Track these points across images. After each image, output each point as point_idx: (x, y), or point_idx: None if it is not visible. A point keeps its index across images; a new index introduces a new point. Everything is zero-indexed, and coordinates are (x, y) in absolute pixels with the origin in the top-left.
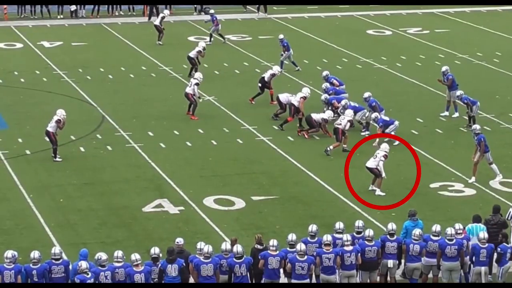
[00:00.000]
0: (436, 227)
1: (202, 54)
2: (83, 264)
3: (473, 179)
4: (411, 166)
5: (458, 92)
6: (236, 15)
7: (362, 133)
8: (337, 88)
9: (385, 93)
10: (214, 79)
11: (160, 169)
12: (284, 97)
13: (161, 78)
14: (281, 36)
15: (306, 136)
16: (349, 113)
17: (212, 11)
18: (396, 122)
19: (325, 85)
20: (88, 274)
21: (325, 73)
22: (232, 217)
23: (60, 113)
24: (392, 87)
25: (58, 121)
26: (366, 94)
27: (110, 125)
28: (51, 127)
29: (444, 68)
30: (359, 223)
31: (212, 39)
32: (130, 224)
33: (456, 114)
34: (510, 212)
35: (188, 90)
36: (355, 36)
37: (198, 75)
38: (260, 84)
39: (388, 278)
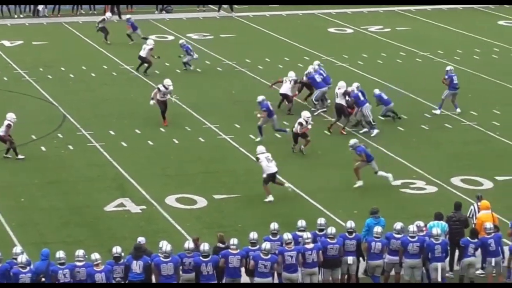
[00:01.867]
0: (397, 225)
1: (152, 52)
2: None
3: (359, 183)
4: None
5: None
6: (198, 14)
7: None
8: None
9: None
10: (176, 78)
11: (122, 168)
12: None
13: (122, 77)
14: (182, 41)
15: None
16: (304, 114)
17: (128, 16)
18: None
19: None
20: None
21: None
22: (194, 215)
23: (10, 117)
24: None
25: (8, 126)
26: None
27: (71, 125)
28: (1, 131)
29: (448, 68)
30: (321, 220)
31: (133, 40)
32: (92, 223)
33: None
34: (471, 209)
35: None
36: (317, 34)
37: (166, 81)
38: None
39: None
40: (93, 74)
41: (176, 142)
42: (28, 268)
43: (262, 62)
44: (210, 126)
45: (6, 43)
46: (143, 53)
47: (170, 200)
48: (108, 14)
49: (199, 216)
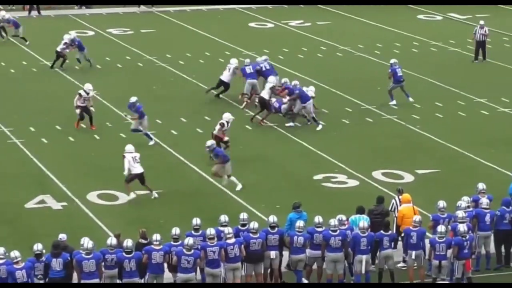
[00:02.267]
0: (319, 219)
1: (72, 48)
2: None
3: (226, 180)
4: (296, 158)
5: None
6: (118, 9)
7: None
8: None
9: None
10: (97, 74)
11: (43, 164)
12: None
13: (42, 73)
14: (72, 36)
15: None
16: (226, 115)
17: (6, 15)
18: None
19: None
20: None
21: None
22: (116, 212)
23: None
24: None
25: None
26: (294, 82)
27: None
28: None
29: (392, 61)
30: (243, 215)
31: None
32: (12, 220)
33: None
34: (393, 203)
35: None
36: (237, 29)
37: (88, 86)
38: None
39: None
40: (12, 70)
41: (97, 138)
42: None
43: (183, 57)
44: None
45: None
46: (59, 48)
47: (92, 196)
48: (3, 12)
49: (121, 212)
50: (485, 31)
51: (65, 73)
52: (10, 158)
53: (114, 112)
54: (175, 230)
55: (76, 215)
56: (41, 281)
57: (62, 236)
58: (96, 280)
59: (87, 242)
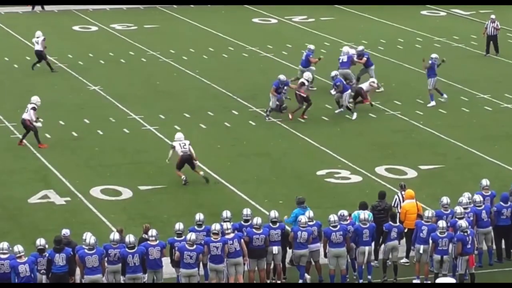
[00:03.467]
0: (310, 213)
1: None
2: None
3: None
4: (299, 154)
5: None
6: (123, 5)
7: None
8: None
9: (272, 81)
10: (100, 69)
11: (46, 160)
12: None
13: (46, 69)
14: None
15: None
16: (306, 74)
17: None
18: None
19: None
20: None
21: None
22: (119, 207)
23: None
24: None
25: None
26: (333, 73)
27: None
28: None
29: (433, 55)
30: (247, 211)
31: None
32: (15, 215)
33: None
34: (395, 199)
35: (25, 116)
36: (241, 25)
37: (35, 98)
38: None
39: (272, 266)
40: (16, 66)
41: (101, 133)
42: None
43: (187, 53)
44: (134, 117)
45: None
46: (38, 47)
47: (95, 191)
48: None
49: (124, 207)
50: (497, 25)
51: (69, 68)
52: (13, 154)
53: (117, 107)
54: (179, 225)
55: (79, 210)
56: (44, 276)
57: (66, 232)
58: (99, 275)
59: (89, 237)
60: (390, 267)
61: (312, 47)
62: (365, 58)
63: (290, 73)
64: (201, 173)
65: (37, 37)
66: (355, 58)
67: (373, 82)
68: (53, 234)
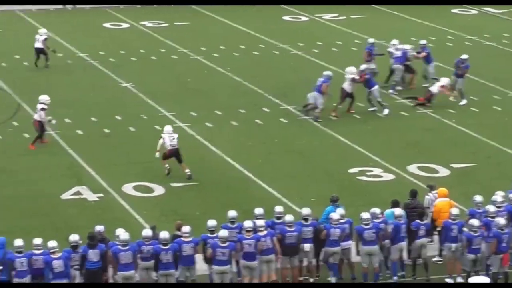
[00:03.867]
0: (341, 211)
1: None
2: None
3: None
4: (331, 151)
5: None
6: (153, 4)
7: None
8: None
9: (302, 79)
10: (131, 66)
11: (78, 156)
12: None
13: (77, 65)
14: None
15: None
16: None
17: None
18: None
19: None
20: None
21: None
22: (152, 203)
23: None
24: (309, 73)
25: (43, 109)
26: (362, 67)
27: (26, 113)
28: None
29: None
30: (279, 208)
31: None
32: (49, 211)
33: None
34: (428, 198)
35: (35, 117)
36: (271, 22)
37: (44, 98)
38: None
39: (305, 263)
40: (48, 63)
41: (132, 130)
42: None
43: (217, 50)
44: (166, 114)
45: None
46: (38, 45)
47: (127, 188)
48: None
49: (157, 204)
50: None
51: (100, 65)
52: (46, 150)
53: (148, 104)
54: (211, 222)
55: (112, 207)
56: (77, 272)
57: (100, 228)
58: (132, 272)
59: (123, 234)
60: (421, 265)
61: (371, 40)
62: (424, 53)
63: (318, 70)
64: (187, 170)
65: (40, 35)
66: (413, 53)
67: (444, 85)
68: (86, 231)
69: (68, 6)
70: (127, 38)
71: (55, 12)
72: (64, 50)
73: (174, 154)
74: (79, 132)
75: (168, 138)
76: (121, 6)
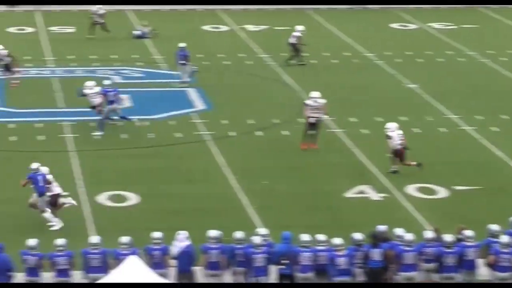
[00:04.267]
0: None
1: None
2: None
3: None
4: None
5: None
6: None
7: None
8: None
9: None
10: (417, 67)
11: (363, 155)
12: None
13: (363, 65)
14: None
15: None
16: None
17: None
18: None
19: None
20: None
21: None
22: (435, 206)
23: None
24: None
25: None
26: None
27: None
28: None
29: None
30: None
31: None
32: (332, 208)
33: None
34: None
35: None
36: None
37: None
38: None
39: None
40: (334, 61)
41: (417, 131)
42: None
43: (504, 54)
44: (450, 116)
45: (250, 27)
46: (293, 40)
47: (411, 189)
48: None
49: (440, 206)
50: None
51: (387, 65)
52: (331, 148)
53: (433, 106)
54: (494, 227)
55: (394, 207)
56: (359, 270)
57: (383, 228)
58: (414, 273)
59: (407, 234)
60: None
61: None
62: None
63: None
64: (413, 162)
65: (297, 30)
66: None
67: None
68: (368, 229)
69: (355, 7)
70: (416, 39)
71: (341, 11)
72: (351, 50)
73: (401, 152)
74: (365, 131)
75: (396, 135)
76: (409, 7)
